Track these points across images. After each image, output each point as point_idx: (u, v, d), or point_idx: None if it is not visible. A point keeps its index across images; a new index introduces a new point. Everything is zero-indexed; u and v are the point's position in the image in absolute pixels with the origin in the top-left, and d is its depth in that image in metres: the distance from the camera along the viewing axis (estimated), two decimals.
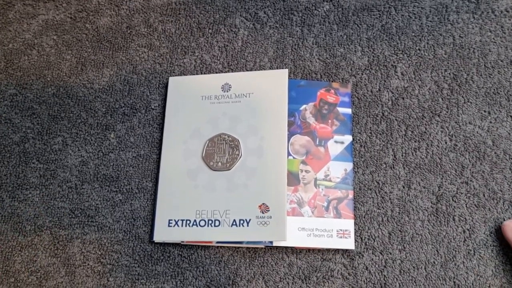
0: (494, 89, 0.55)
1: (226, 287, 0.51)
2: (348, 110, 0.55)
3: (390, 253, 0.51)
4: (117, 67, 0.60)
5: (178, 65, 0.60)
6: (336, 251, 0.52)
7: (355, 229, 0.52)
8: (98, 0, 0.63)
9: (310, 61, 0.58)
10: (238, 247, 0.53)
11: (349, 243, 0.51)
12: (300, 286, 0.51)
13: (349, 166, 0.53)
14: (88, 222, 0.55)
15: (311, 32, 0.59)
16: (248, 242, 0.51)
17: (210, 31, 0.61)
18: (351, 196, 0.52)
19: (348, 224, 0.51)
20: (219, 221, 0.51)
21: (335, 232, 0.51)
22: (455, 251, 0.51)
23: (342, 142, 0.54)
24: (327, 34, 0.59)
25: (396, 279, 0.50)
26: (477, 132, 0.54)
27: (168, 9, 0.62)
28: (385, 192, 0.53)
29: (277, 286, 0.51)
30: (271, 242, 0.50)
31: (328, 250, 0.52)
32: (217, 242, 0.52)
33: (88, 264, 0.53)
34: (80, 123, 0.58)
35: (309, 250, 0.52)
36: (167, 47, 0.60)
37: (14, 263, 0.54)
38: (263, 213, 0.50)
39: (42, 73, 0.61)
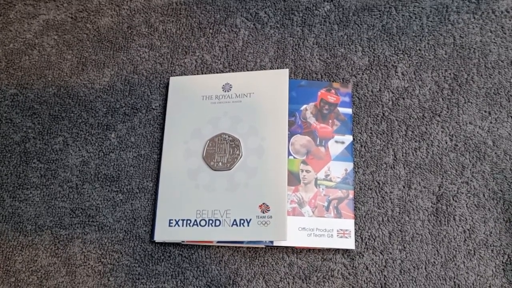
0: (494, 90, 0.55)
1: (227, 287, 0.52)
2: (349, 110, 0.55)
3: (390, 253, 0.51)
4: (118, 67, 0.60)
5: (179, 65, 0.60)
6: (337, 251, 0.52)
7: (355, 229, 0.52)
8: (99, 0, 0.63)
9: (311, 61, 0.58)
10: (239, 247, 0.53)
11: (349, 243, 0.51)
12: (301, 286, 0.51)
13: (349, 166, 0.53)
14: (89, 222, 0.55)
15: (311, 32, 0.59)
16: (248, 242, 0.51)
17: (211, 31, 0.61)
18: (351, 196, 0.52)
19: (349, 224, 0.51)
20: (219, 221, 0.51)
21: (336, 232, 0.51)
22: (456, 251, 0.51)
23: (343, 142, 0.54)
24: (328, 34, 0.59)
25: (396, 279, 0.50)
26: (477, 132, 0.54)
27: (169, 9, 0.62)
28: (386, 192, 0.53)
29: (278, 286, 0.51)
30: (272, 242, 0.50)
31: (329, 250, 0.52)
32: (218, 242, 0.52)
33: (89, 264, 0.53)
34: (81, 123, 0.59)
35: (309, 250, 0.52)
36: (168, 47, 0.60)
37: (15, 263, 0.54)
38: (263, 212, 0.50)
39: (43, 73, 0.61)
